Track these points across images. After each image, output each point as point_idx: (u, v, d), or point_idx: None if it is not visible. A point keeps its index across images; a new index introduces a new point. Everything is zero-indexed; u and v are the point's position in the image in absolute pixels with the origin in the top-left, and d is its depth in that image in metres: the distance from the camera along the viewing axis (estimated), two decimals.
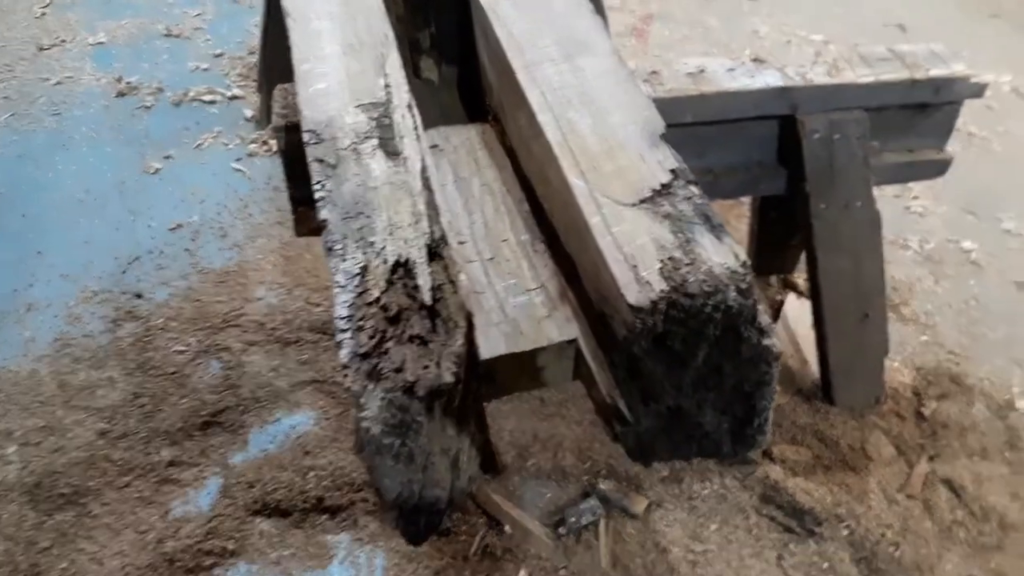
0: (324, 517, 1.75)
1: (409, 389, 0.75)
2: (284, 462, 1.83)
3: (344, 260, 0.82)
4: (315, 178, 0.91)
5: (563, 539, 1.71)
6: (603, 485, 1.81)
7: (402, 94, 1.04)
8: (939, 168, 1.74)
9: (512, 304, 1.01)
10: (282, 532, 1.73)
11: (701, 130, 1.58)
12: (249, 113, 2.84)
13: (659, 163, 0.89)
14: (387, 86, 1.04)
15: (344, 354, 0.76)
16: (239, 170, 2.63)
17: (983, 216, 2.49)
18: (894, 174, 1.73)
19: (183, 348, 2.07)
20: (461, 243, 1.09)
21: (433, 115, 1.34)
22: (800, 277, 2.25)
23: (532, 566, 1.66)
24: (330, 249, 0.84)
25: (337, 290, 0.81)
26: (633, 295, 0.75)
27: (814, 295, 1.83)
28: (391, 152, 0.94)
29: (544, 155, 0.97)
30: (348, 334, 0.77)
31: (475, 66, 1.33)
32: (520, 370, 0.98)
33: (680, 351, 0.77)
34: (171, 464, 1.84)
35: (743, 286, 0.75)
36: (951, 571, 1.65)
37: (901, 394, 1.98)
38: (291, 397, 1.98)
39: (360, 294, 0.80)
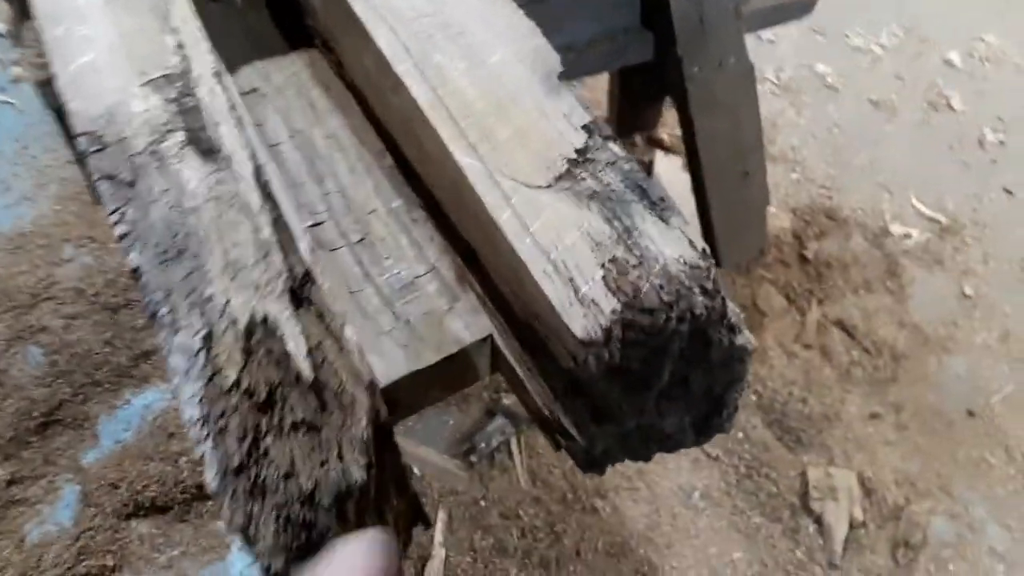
0: (210, 504, 1.56)
1: (308, 499, 0.56)
2: (147, 451, 1.60)
3: (176, 332, 0.60)
4: (108, 205, 0.66)
5: (476, 467, 1.60)
6: (507, 400, 1.70)
7: (203, 55, 0.77)
8: (806, 6, 1.61)
9: (402, 300, 0.81)
10: (165, 531, 1.53)
11: (555, 2, 1.36)
12: (1, 27, 2.32)
13: (565, 117, 0.69)
14: (180, 46, 0.77)
15: (211, 476, 0.56)
16: (5, 102, 2.16)
17: (831, 35, 2.42)
18: (763, 20, 1.59)
19: None
20: (317, 224, 0.87)
21: (241, 47, 1.06)
22: (665, 132, 2.13)
23: (450, 503, 1.56)
24: (153, 315, 0.61)
25: (177, 379, 0.59)
26: (579, 325, 0.57)
27: (692, 160, 1.71)
28: (206, 149, 0.69)
29: (412, 117, 0.75)
30: (209, 443, 0.56)
31: None
32: (428, 384, 0.80)
33: (639, 372, 0.61)
34: (12, 483, 1.57)
35: (708, 285, 0.59)
36: (855, 413, 1.68)
37: (783, 240, 1.94)
38: (136, 372, 1.72)
39: (211, 380, 0.58)
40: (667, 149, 2.12)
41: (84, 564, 1.47)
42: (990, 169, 2.10)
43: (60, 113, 0.99)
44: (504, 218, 0.64)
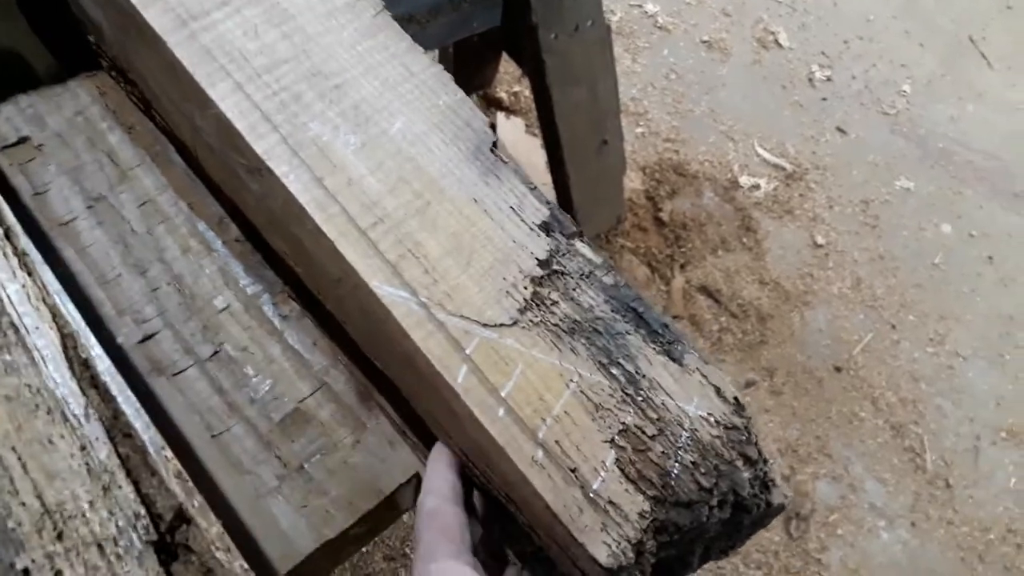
0: None
1: None
2: None
3: None
4: None
5: None
6: None
7: None
8: None
9: (287, 438, 0.61)
10: None
11: None
12: None
13: (515, 211, 0.50)
14: None
15: None
16: None
17: None
18: None
19: None
20: (147, 337, 0.64)
21: None
22: (503, 91, 1.95)
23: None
24: None
25: None
26: (600, 546, 0.41)
27: (548, 131, 1.55)
28: None
29: (286, 214, 0.53)
30: None
31: None
32: (340, 548, 0.61)
33: (668, 568, 0.46)
34: None
35: (751, 452, 0.45)
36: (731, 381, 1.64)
37: (636, 203, 1.85)
38: None
39: None
40: (507, 109, 1.95)
41: None
42: (821, 108, 2.10)
43: None
44: (461, 379, 0.45)
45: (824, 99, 2.13)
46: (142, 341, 0.63)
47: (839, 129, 2.07)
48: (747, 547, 1.46)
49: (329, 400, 0.63)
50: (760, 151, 2.00)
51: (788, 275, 1.80)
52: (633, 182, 1.88)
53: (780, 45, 2.22)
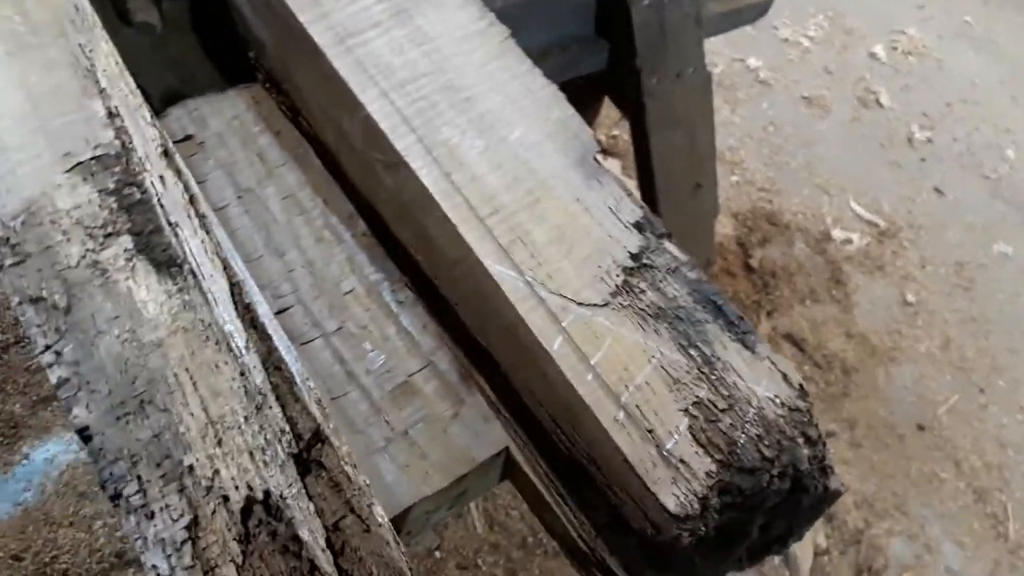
0: (131, 571, 1.39)
1: None
2: (54, 515, 1.41)
3: (151, 517, 0.46)
4: (36, 338, 0.51)
5: None
6: None
7: (143, 125, 0.61)
8: (762, 9, 1.53)
9: (395, 406, 0.69)
10: None
11: (505, 10, 1.23)
12: None
13: (612, 212, 0.58)
14: (112, 113, 0.61)
15: None
16: None
17: (760, 26, 2.37)
18: (718, 25, 1.50)
19: None
20: (282, 310, 0.73)
21: (164, 80, 0.89)
22: (601, 134, 2.04)
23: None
24: (116, 496, 0.47)
25: None
26: (669, 495, 0.47)
27: (643, 173, 1.62)
28: (164, 260, 0.55)
29: (416, 203, 0.62)
30: None
31: None
32: (435, 507, 0.68)
33: (724, 535, 0.52)
34: None
35: (812, 433, 0.50)
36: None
37: (727, 248, 1.89)
38: (34, 421, 1.51)
39: None
40: (605, 152, 2.03)
41: None
42: (920, 168, 2.11)
43: None
44: (556, 347, 0.52)
45: (923, 159, 2.13)
46: (278, 313, 0.72)
47: (936, 190, 2.07)
48: None
49: (434, 377, 0.71)
50: (855, 206, 2.02)
51: (876, 330, 1.81)
52: (725, 228, 1.93)
53: (881, 104, 2.24)
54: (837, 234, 1.96)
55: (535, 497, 0.68)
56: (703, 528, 0.48)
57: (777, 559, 1.47)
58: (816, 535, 1.49)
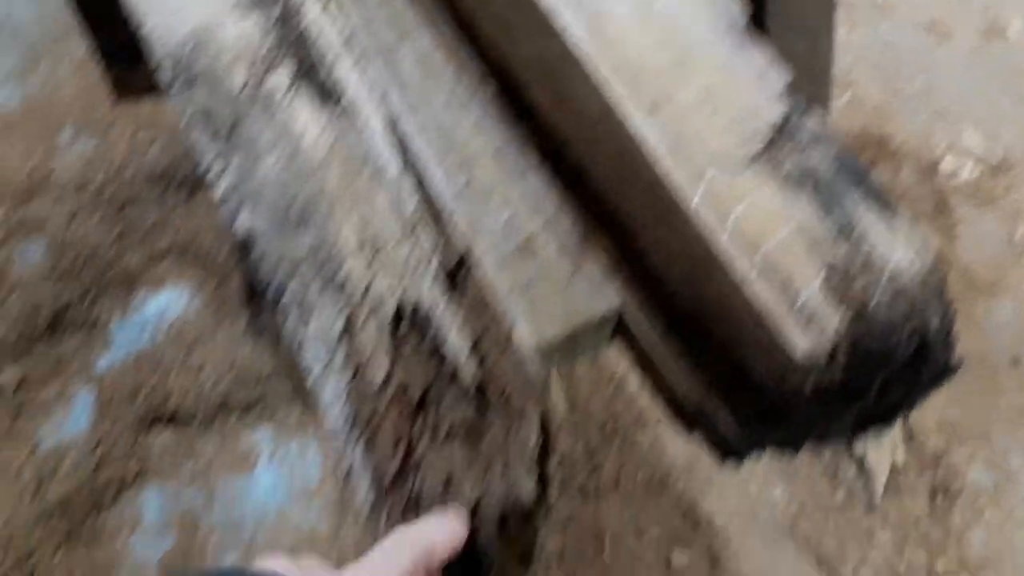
0: (234, 417, 1.49)
1: (470, 513, 0.49)
2: (165, 361, 1.51)
3: (308, 320, 0.51)
4: (203, 155, 0.55)
5: None
6: None
7: None
8: None
9: (516, 262, 0.72)
10: (188, 443, 1.47)
11: None
12: None
13: (759, 79, 0.58)
14: None
15: (364, 491, 0.48)
16: None
17: None
18: None
19: None
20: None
21: None
22: None
23: None
24: (276, 300, 0.52)
25: (316, 370, 0.50)
26: (799, 342, 0.49)
27: None
28: (323, 91, 0.58)
29: (559, 62, 0.63)
30: (359, 451, 0.48)
31: None
32: (546, 359, 0.72)
33: (844, 392, 0.54)
34: (21, 386, 1.48)
35: (942, 300, 0.51)
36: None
37: None
38: (149, 274, 1.61)
39: (355, 376, 0.50)
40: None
41: (104, 474, 1.41)
42: None
43: None
44: (695, 203, 0.54)
45: None
46: None
47: None
48: (886, 511, 1.47)
49: (555, 238, 0.74)
50: (969, 138, 1.94)
51: (978, 263, 1.76)
52: None
53: (1007, 35, 2.12)
54: (947, 164, 1.89)
55: (645, 356, 0.71)
56: (826, 380, 0.50)
57: (852, 470, 1.49)
58: (895, 451, 1.50)
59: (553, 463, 1.45)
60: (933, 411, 1.58)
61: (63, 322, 1.54)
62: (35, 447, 1.44)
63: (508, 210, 0.75)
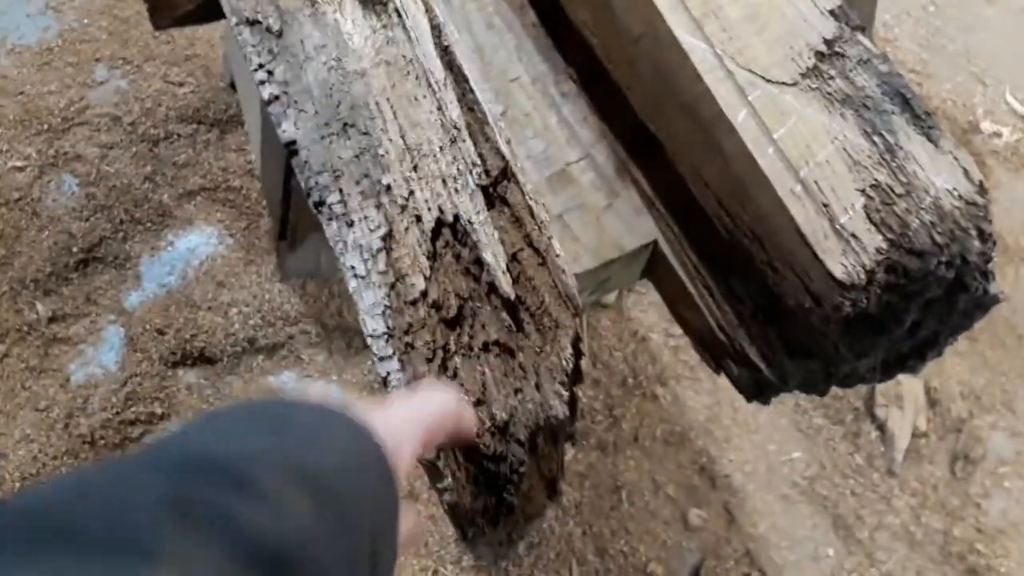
0: (260, 358, 1.51)
1: (501, 431, 0.50)
2: (195, 299, 1.53)
3: (350, 225, 0.51)
4: (250, 58, 0.55)
5: None
6: None
7: None
8: None
9: (552, 191, 0.72)
10: (214, 382, 1.49)
11: None
12: None
13: None
14: None
15: None
16: None
17: None
18: None
19: (21, 164, 1.63)
20: None
21: None
22: None
23: None
24: (320, 204, 0.52)
25: (354, 282, 0.50)
26: (837, 263, 0.49)
27: None
28: None
29: None
30: (395, 363, 0.49)
31: None
32: (580, 289, 0.71)
33: (879, 318, 0.53)
34: (53, 320, 1.50)
35: (985, 227, 0.50)
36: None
37: None
38: (179, 212, 1.62)
39: (394, 287, 0.50)
40: None
41: (132, 410, 1.43)
42: None
43: None
44: (740, 119, 0.53)
45: None
46: None
47: None
48: (905, 476, 1.47)
49: (591, 168, 0.73)
50: (1010, 100, 1.90)
51: (1012, 229, 1.73)
52: None
53: None
54: (986, 126, 1.85)
55: (678, 290, 0.70)
56: (864, 301, 0.49)
57: (874, 433, 1.48)
58: (917, 416, 1.49)
59: (583, 388, 1.45)
60: (957, 378, 1.57)
61: (94, 258, 1.56)
62: (65, 381, 1.46)
63: (545, 139, 0.75)
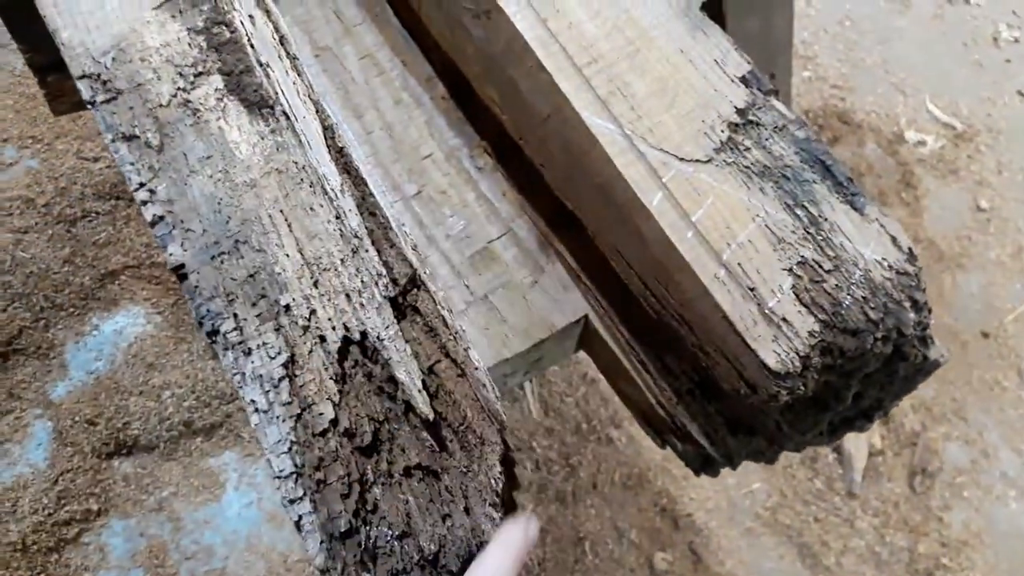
0: (199, 440, 1.45)
1: (431, 563, 0.46)
2: (125, 384, 1.46)
3: (248, 353, 0.47)
4: (130, 176, 0.51)
5: None
6: None
7: None
8: None
9: (475, 271, 0.69)
10: (152, 470, 1.42)
11: None
12: None
13: (718, 65, 0.55)
14: None
15: (314, 549, 0.45)
16: None
17: None
18: None
19: None
20: None
21: None
22: None
23: None
24: (213, 333, 0.48)
25: (255, 418, 0.46)
26: (769, 352, 0.46)
27: None
28: (255, 101, 0.54)
29: (507, 55, 0.59)
30: (307, 505, 0.45)
31: None
32: (512, 372, 0.68)
33: (818, 397, 0.51)
34: None
35: (919, 297, 0.48)
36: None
37: None
38: (103, 294, 1.55)
39: (299, 418, 0.46)
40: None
41: (66, 509, 1.35)
42: (1004, 70, 2.00)
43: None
44: (655, 202, 0.50)
45: (1008, 61, 2.02)
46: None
47: (1020, 93, 1.97)
48: (866, 495, 1.46)
49: (513, 244, 0.70)
50: (931, 108, 1.93)
51: (944, 235, 1.76)
52: None
53: (967, 1, 2.12)
54: (911, 135, 1.88)
55: (613, 365, 0.67)
56: (801, 387, 0.47)
57: (831, 456, 1.47)
58: (871, 436, 1.49)
59: (539, 439, 1.42)
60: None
61: (15, 350, 1.48)
62: None
63: (464, 216, 0.71)
